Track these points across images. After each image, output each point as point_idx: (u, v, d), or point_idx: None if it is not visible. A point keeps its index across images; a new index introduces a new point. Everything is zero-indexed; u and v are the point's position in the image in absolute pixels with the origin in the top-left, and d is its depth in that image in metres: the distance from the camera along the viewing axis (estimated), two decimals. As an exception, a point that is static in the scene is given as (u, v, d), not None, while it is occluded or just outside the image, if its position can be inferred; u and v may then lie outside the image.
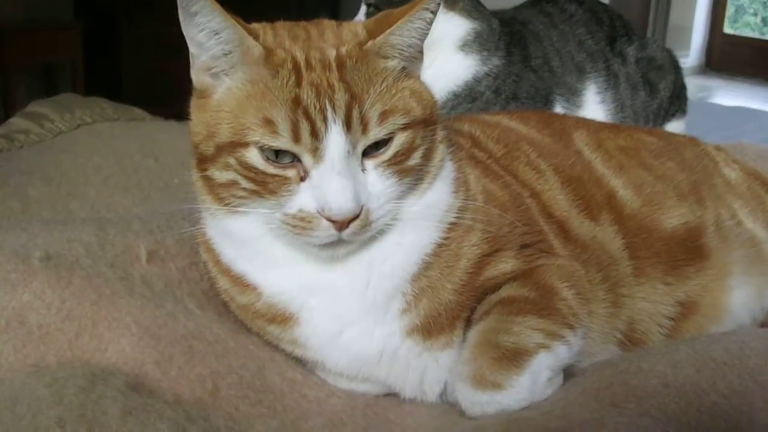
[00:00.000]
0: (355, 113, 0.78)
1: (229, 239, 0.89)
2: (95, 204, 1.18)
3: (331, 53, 0.81)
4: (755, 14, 8.32)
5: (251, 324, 0.93)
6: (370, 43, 0.82)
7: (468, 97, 1.63)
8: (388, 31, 0.82)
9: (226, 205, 0.83)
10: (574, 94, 1.70)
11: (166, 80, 4.63)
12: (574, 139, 1.12)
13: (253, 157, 0.79)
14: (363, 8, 1.67)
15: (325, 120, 0.78)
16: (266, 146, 0.79)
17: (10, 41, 4.07)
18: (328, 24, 0.87)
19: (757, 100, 6.89)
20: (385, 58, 0.83)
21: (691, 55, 7.49)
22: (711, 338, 0.97)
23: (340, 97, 0.78)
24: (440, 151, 0.89)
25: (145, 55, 4.63)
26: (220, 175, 0.82)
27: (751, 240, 1.13)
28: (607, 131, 1.19)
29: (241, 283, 0.89)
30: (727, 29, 7.96)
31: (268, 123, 0.78)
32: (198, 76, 0.85)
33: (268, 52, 0.80)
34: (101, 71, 4.64)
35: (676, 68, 1.82)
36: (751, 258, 1.11)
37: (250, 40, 0.80)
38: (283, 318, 0.88)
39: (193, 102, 0.86)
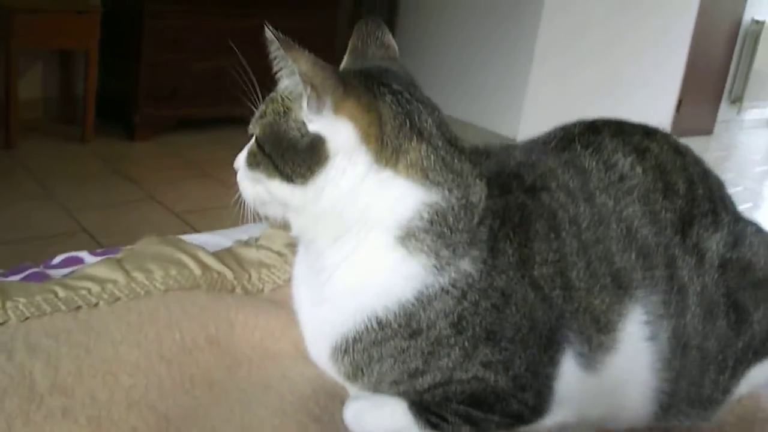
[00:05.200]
0: None
1: None
2: None
3: None
4: None
5: None
6: None
7: (405, 330, 0.90)
8: None
9: None
10: (601, 331, 0.95)
11: (187, 78, 4.18)
12: None
13: None
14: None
15: None
16: None
17: (21, 23, 3.76)
18: None
19: None
20: None
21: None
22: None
23: None
24: None
25: (166, 49, 4.27)
26: None
27: None
28: None
29: None
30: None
31: None
32: None
33: None
34: (118, 62, 4.30)
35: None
36: None
37: None
38: None
39: None
